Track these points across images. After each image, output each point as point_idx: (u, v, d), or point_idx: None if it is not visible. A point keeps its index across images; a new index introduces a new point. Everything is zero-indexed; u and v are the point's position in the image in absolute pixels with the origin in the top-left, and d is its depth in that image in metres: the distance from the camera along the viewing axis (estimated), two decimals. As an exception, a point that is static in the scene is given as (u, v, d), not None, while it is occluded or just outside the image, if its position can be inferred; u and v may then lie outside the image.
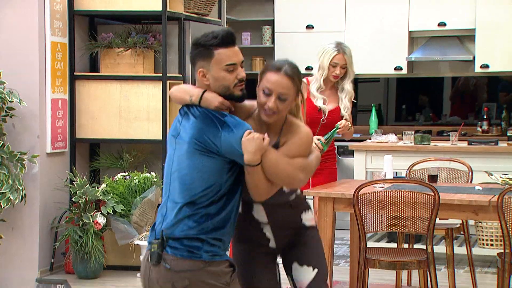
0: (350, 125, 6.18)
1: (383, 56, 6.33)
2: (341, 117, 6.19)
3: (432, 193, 5.07)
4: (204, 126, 3.46)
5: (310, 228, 3.89)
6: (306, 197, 4.18)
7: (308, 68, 10.24)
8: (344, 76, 6.14)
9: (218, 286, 3.42)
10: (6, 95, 6.55)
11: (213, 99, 3.50)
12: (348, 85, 6.20)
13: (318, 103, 6.10)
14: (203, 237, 3.40)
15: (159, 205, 7.21)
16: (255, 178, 3.44)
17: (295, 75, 3.58)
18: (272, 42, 10.64)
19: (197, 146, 3.45)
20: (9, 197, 6.44)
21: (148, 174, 7.28)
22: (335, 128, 5.91)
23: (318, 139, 5.74)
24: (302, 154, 3.58)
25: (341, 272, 6.81)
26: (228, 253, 3.63)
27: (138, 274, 7.10)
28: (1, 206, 6.46)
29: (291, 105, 3.64)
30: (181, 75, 7.68)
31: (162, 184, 7.25)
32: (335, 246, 5.86)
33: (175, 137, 3.63)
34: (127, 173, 7.32)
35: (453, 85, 10.51)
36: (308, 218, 3.89)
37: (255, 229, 3.80)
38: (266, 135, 3.42)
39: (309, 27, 10.36)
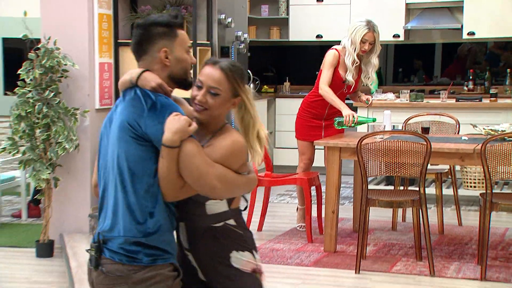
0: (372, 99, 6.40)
1: (383, 25, 6.30)
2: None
3: (425, 143, 5.14)
4: (133, 108, 2.79)
5: (238, 274, 2.83)
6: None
7: (318, 36, 10.30)
8: (370, 50, 6.17)
9: None
10: (61, 59, 6.61)
11: (152, 79, 2.86)
12: (374, 59, 6.25)
13: (348, 76, 6.16)
14: (143, 240, 2.73)
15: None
16: (167, 165, 2.68)
17: (232, 73, 2.83)
18: (287, 14, 10.56)
19: (127, 131, 2.77)
20: (65, 146, 6.53)
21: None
22: (372, 118, 6.04)
23: (353, 115, 5.92)
24: (224, 162, 2.74)
25: (345, 211, 6.88)
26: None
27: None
28: (59, 154, 6.55)
29: (227, 107, 2.87)
30: (208, 42, 7.70)
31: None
32: (340, 189, 5.88)
33: (109, 126, 2.99)
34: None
35: (444, 51, 10.55)
36: (241, 261, 2.84)
37: (182, 253, 2.94)
38: (194, 121, 2.76)
39: (319, 0, 10.31)
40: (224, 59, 2.98)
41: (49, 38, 6.70)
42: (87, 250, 2.88)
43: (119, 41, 7.50)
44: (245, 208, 3.07)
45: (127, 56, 7.49)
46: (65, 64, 6.70)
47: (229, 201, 2.83)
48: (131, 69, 7.41)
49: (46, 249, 6.74)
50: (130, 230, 2.73)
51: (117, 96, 7.47)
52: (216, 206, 2.81)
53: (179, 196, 2.75)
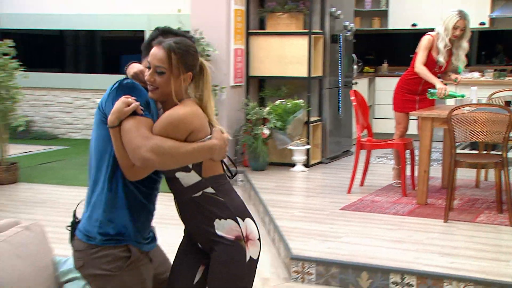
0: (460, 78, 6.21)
1: (471, 14, 6.08)
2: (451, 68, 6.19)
3: (507, 113, 4.92)
4: (107, 92, 2.48)
5: (221, 243, 2.43)
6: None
7: (413, 25, 10.07)
8: (461, 36, 6.01)
9: (108, 271, 2.47)
10: (205, 46, 6.75)
11: (134, 67, 2.55)
12: (465, 44, 6.09)
13: (440, 58, 6.03)
14: (99, 219, 2.49)
15: (306, 122, 7.44)
16: (114, 144, 2.39)
17: (175, 50, 2.39)
18: (387, 6, 10.39)
19: (98, 114, 2.50)
20: (206, 115, 6.66)
21: (297, 101, 7.33)
22: (462, 94, 5.86)
23: (445, 89, 5.81)
24: (163, 133, 2.35)
25: (434, 171, 6.68)
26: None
27: (291, 169, 7.31)
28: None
29: (178, 83, 2.42)
30: (321, 31, 7.64)
31: (308, 107, 7.44)
32: (431, 152, 5.74)
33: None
34: (283, 100, 7.39)
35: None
36: (225, 227, 2.43)
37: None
38: (134, 100, 2.38)
39: (415, -6, 10.13)
40: (171, 38, 2.44)
41: (196, 30, 6.83)
42: (66, 227, 2.68)
43: (250, 31, 7.56)
44: (233, 175, 2.58)
45: (256, 43, 7.55)
46: (208, 50, 6.83)
47: (198, 171, 2.42)
48: (258, 53, 7.53)
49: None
50: (89, 209, 2.54)
51: (247, 76, 7.57)
52: (188, 178, 2.43)
53: (136, 174, 2.42)
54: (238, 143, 7.36)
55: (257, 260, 2.50)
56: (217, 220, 2.42)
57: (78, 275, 3.00)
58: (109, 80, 8.95)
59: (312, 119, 7.58)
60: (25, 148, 10.38)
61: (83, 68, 11.74)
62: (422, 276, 4.01)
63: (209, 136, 2.42)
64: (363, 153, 6.36)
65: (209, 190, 2.43)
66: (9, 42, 7.63)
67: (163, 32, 2.53)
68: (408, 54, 7.01)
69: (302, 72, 7.43)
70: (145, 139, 2.33)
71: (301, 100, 7.36)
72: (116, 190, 2.47)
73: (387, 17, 10.39)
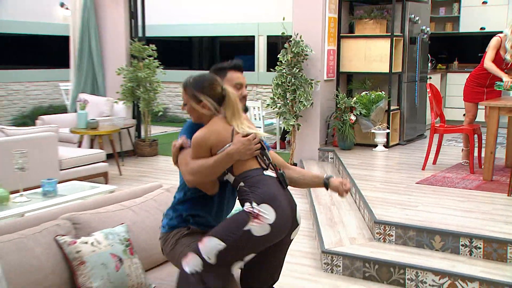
0: None
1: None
2: None
3: None
4: None
5: (241, 213, 2.33)
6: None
7: (482, 28, 9.49)
8: None
9: (172, 241, 2.51)
10: (304, 47, 6.67)
11: None
12: None
13: (507, 56, 5.69)
14: (172, 215, 2.58)
15: (386, 110, 7.26)
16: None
17: (187, 84, 2.45)
18: (459, 13, 9.87)
19: None
20: (304, 103, 6.63)
21: (379, 92, 7.14)
22: None
23: (511, 82, 5.49)
24: (193, 155, 2.36)
25: (498, 153, 6.32)
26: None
27: (373, 149, 7.15)
28: (301, 108, 6.68)
29: (198, 111, 2.42)
30: (401, 34, 7.37)
31: (389, 97, 7.24)
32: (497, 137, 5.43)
33: None
34: (368, 91, 7.23)
35: None
36: (245, 206, 2.32)
37: None
38: (176, 141, 2.44)
39: (484, 2, 9.48)
40: (195, 76, 2.50)
41: (297, 34, 6.77)
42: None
43: (341, 34, 7.41)
44: (267, 166, 2.39)
45: (346, 45, 7.40)
46: (306, 50, 6.76)
47: (231, 171, 2.37)
48: (347, 53, 7.40)
49: (291, 169, 6.93)
50: (167, 212, 2.62)
51: (337, 71, 7.44)
52: (230, 178, 2.39)
53: (210, 188, 2.43)
54: (329, 127, 7.28)
55: (258, 238, 2.26)
56: (245, 203, 2.32)
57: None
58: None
59: (392, 107, 7.37)
60: (162, 129, 10.78)
61: (206, 66, 11.99)
62: (488, 240, 3.82)
63: (228, 145, 2.34)
64: (435, 137, 6.12)
65: (241, 184, 2.35)
66: (152, 46, 7.91)
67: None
68: (477, 53, 6.68)
69: (384, 68, 7.23)
70: (185, 165, 2.37)
71: (383, 92, 7.17)
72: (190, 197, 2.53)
73: (459, 22, 9.88)
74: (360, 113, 7.01)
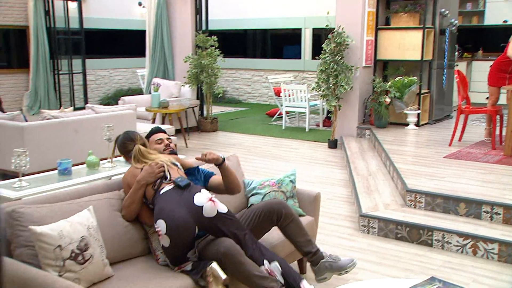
0: None
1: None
2: None
3: None
4: None
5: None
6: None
7: (504, 21, 9.00)
8: None
9: None
10: (345, 38, 6.51)
11: None
12: None
13: None
14: None
15: (418, 93, 7.02)
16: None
17: (117, 143, 2.78)
18: (484, 7, 9.39)
19: None
20: (345, 87, 6.50)
21: (412, 77, 6.91)
22: None
23: None
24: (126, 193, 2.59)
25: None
26: None
27: (405, 127, 6.95)
28: (341, 91, 6.56)
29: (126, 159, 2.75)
30: (432, 26, 7.07)
31: (420, 82, 6.99)
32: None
33: None
34: (401, 77, 7.00)
35: None
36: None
37: None
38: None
39: (510, -4, 8.99)
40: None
41: (340, 26, 6.61)
42: None
43: (378, 26, 7.18)
44: (160, 185, 2.50)
45: (382, 35, 7.18)
46: (347, 41, 6.60)
47: (145, 198, 2.56)
48: (384, 43, 7.18)
49: (333, 144, 6.87)
50: None
51: (375, 59, 7.23)
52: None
53: (126, 217, 2.54)
54: (367, 108, 7.13)
55: (170, 247, 2.32)
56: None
57: (259, 191, 3.11)
58: (275, 63, 8.94)
59: (422, 91, 7.14)
60: (221, 108, 10.83)
61: (258, 54, 11.92)
62: (507, 207, 3.68)
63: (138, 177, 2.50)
64: (461, 117, 5.89)
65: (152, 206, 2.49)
66: (214, 38, 7.92)
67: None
68: (499, 43, 6.35)
69: (417, 56, 6.98)
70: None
71: (414, 77, 6.94)
72: None
73: (484, 15, 9.40)
74: (394, 95, 6.82)
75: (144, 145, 2.69)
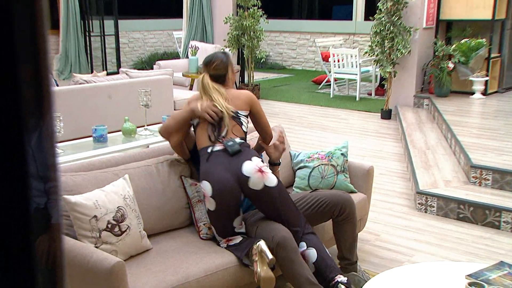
0: None
1: None
2: None
3: None
4: None
5: None
6: None
7: None
8: None
9: None
10: (404, -6, 6.28)
11: None
12: None
13: None
14: None
15: (486, 57, 6.71)
16: None
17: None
18: None
19: None
20: (402, 51, 6.30)
21: (480, 40, 6.60)
22: None
23: None
24: None
25: None
26: None
27: (470, 96, 6.69)
28: (398, 56, 6.36)
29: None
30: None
31: (489, 45, 6.67)
32: None
33: None
34: (468, 39, 6.70)
35: None
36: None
37: None
38: None
39: None
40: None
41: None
42: None
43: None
44: (215, 141, 2.52)
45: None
46: (407, -2, 6.37)
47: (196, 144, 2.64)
48: (449, 3, 6.86)
49: (386, 114, 6.73)
50: None
51: (437, 19, 6.94)
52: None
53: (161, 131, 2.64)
54: (426, 74, 6.90)
55: (214, 211, 2.40)
56: None
57: (306, 164, 3.08)
58: (323, 25, 8.69)
59: (492, 55, 6.81)
60: (263, 75, 10.79)
61: (305, 15, 11.71)
62: None
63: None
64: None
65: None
66: (256, -4, 7.81)
67: None
68: None
69: (487, 15, 6.63)
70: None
71: (483, 39, 6.62)
72: None
73: None
74: (459, 60, 6.55)
75: (218, 75, 2.59)
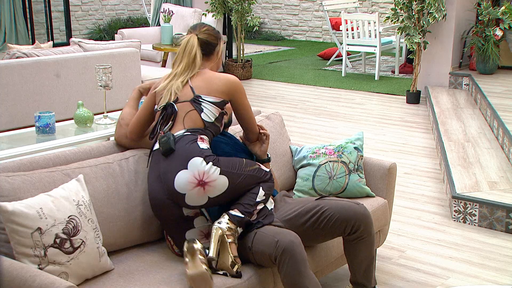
0: None
1: None
2: None
3: None
4: None
5: None
6: None
7: None
8: None
9: None
10: None
11: None
12: None
13: None
14: None
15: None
16: None
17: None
18: None
19: None
20: (435, 15, 6.33)
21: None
22: None
23: None
24: None
25: None
26: None
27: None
28: (429, 22, 6.39)
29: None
30: None
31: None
32: None
33: None
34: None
35: None
36: None
37: None
38: None
39: None
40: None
41: None
42: None
43: None
44: (156, 137, 2.58)
45: None
46: None
47: None
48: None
49: (414, 97, 6.76)
50: None
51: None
52: None
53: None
54: (466, 45, 6.93)
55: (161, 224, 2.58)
56: None
57: (311, 161, 3.09)
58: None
59: (549, 21, 6.86)
60: (256, 47, 10.80)
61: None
62: None
63: None
64: None
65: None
66: None
67: None
68: None
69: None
70: None
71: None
72: None
73: None
74: (510, 26, 6.60)
75: (207, 42, 2.61)
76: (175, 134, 2.44)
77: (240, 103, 2.60)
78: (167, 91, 2.53)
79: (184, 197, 2.36)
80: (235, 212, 2.39)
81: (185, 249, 2.24)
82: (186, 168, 2.36)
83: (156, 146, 2.49)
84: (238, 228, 2.37)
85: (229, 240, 2.32)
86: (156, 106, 2.57)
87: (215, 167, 2.37)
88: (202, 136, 2.46)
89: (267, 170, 2.55)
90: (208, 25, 2.69)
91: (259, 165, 2.53)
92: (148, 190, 2.49)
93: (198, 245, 2.24)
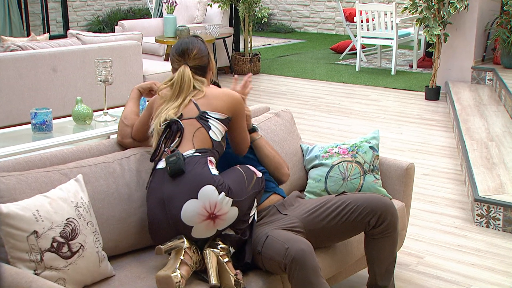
0: None
1: None
2: None
3: None
4: None
5: None
6: None
7: None
8: None
9: None
10: None
11: None
12: None
13: None
14: None
15: None
16: None
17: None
18: None
19: None
20: (456, 6, 6.32)
21: None
22: None
23: None
24: None
25: None
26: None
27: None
28: (450, 13, 6.38)
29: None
30: None
31: None
32: None
33: None
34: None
35: None
36: None
37: None
38: None
39: None
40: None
41: None
42: None
43: None
44: (160, 155, 2.52)
45: None
46: None
47: None
48: None
49: (433, 93, 6.76)
50: None
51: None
52: None
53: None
54: (490, 37, 6.91)
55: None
56: None
57: (323, 161, 3.09)
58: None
59: None
60: (265, 40, 10.80)
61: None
62: None
63: None
64: None
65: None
66: None
67: None
68: None
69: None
70: None
71: None
72: None
73: None
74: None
75: (199, 67, 2.61)
76: (184, 154, 2.40)
77: (241, 119, 2.61)
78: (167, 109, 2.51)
79: (191, 230, 2.32)
80: (227, 231, 2.38)
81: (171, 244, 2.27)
82: (196, 198, 2.30)
83: (160, 165, 2.43)
84: (230, 248, 2.36)
85: (225, 260, 2.30)
86: (152, 123, 2.53)
87: (228, 198, 2.31)
88: (210, 158, 2.43)
89: (260, 175, 2.52)
90: (193, 45, 2.61)
91: (254, 171, 2.50)
92: (147, 213, 2.45)
93: (184, 244, 2.27)
